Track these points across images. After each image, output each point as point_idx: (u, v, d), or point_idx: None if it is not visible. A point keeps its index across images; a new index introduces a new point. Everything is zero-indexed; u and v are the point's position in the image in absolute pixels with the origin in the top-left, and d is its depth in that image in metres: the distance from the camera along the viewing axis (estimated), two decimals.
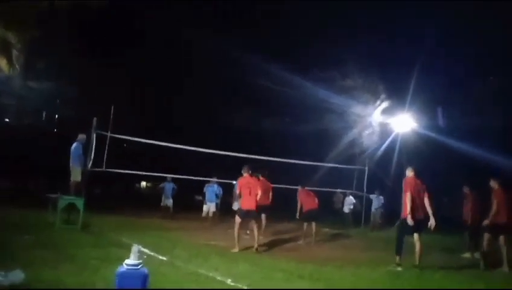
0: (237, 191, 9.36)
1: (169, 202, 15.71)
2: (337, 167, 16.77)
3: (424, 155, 19.56)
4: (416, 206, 7.51)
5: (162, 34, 22.83)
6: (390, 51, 20.86)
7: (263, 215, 10.70)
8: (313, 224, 10.72)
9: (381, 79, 21.18)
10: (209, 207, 14.14)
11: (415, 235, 7.49)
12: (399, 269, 7.25)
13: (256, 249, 8.69)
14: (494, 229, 7.95)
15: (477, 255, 8.89)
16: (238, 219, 8.88)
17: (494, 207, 7.94)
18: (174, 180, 15.73)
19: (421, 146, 19.77)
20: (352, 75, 21.59)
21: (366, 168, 15.75)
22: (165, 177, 15.77)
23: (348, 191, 17.22)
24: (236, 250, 8.52)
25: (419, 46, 19.17)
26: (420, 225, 7.51)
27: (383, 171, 18.79)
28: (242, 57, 19.96)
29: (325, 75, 21.02)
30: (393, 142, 20.03)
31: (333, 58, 21.16)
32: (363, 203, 16.44)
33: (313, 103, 21.66)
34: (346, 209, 17.60)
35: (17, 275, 4.71)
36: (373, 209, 16.57)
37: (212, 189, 14.28)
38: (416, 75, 18.96)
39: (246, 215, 8.94)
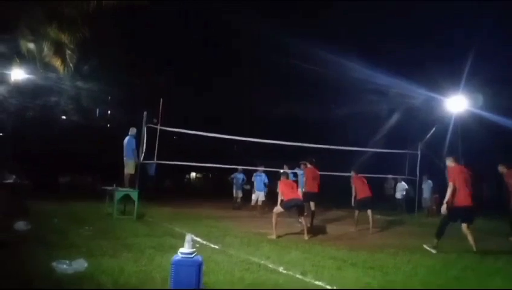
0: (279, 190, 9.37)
1: (240, 192, 15.95)
2: (387, 152, 16.29)
3: (481, 136, 18.61)
4: (467, 194, 7.44)
5: (205, 24, 23.05)
6: (444, 29, 19.93)
7: (312, 203, 10.57)
8: (369, 212, 10.48)
9: (436, 58, 20.29)
10: (258, 196, 14.26)
11: (463, 225, 7.44)
12: (433, 251, 7.30)
13: (307, 237, 8.70)
14: None
15: None
16: (278, 209, 8.92)
17: None
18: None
19: (477, 127, 18.80)
20: (404, 55, 20.77)
21: (419, 152, 15.17)
22: (236, 168, 15.78)
23: (400, 177, 16.73)
24: (273, 237, 8.55)
25: (476, 24, 18.18)
26: (468, 213, 7.46)
27: (435, 155, 18.06)
28: (288, 43, 19.71)
29: (376, 56, 20.33)
30: (447, 124, 19.17)
31: (384, 37, 20.46)
32: (416, 189, 15.91)
33: (356, 84, 21.10)
34: (398, 195, 17.15)
35: (81, 264, 4.97)
36: (424, 194, 16.04)
37: (260, 178, 14.38)
38: (472, 54, 17.99)
39: (291, 206, 8.97)
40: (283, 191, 9.09)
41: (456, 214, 7.45)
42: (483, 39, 18.10)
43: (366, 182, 10.90)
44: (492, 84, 19.18)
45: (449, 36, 19.89)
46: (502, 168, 8.33)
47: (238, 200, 15.89)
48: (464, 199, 7.42)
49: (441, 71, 19.82)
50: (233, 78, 25.04)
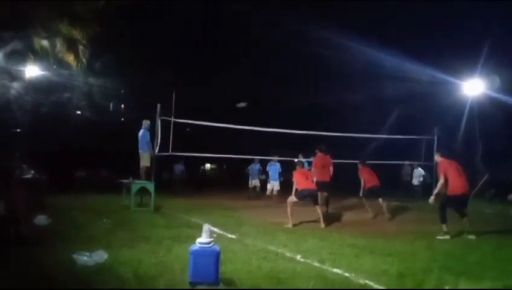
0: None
1: (257, 182, 16.03)
2: (404, 138, 16.08)
3: (498, 120, 18.27)
4: (461, 183, 7.75)
5: (219, 16, 22.97)
6: (461, 12, 19.49)
7: (323, 193, 10.27)
8: (380, 200, 10.40)
9: (452, 42, 19.89)
10: (273, 185, 14.26)
11: (459, 211, 7.77)
12: (447, 237, 7.38)
13: (324, 225, 8.73)
14: None
15: None
16: (292, 199, 9.01)
17: None
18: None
19: (494, 110, 18.44)
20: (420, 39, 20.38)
21: (436, 137, 14.94)
22: (253, 159, 15.94)
23: (416, 163, 16.55)
24: (289, 226, 8.61)
25: (493, 6, 17.75)
26: (465, 200, 7.90)
27: (453, 139, 17.83)
28: (302, 28, 19.50)
29: (391, 40, 19.97)
30: (463, 107, 18.85)
31: (400, 22, 20.12)
32: (433, 175, 15.71)
33: (371, 70, 20.81)
34: (415, 181, 16.97)
35: (101, 255, 5.05)
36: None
37: (275, 167, 14.41)
38: (489, 37, 17.58)
39: (305, 196, 9.03)
40: (298, 181, 9.09)
41: (453, 201, 7.77)
42: (500, 21, 17.66)
43: (373, 171, 10.79)
44: (509, 67, 18.74)
45: (466, 19, 19.43)
46: None
47: (257, 189, 15.94)
48: (458, 187, 7.72)
49: (458, 54, 19.41)
50: (244, 67, 24.95)
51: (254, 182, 15.95)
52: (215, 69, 25.38)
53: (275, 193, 14.14)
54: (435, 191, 8.01)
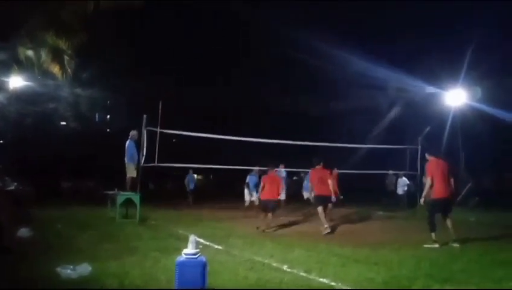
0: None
1: (254, 195, 14.18)
2: (388, 148, 16.27)
3: (480, 129, 18.63)
4: (444, 187, 7.77)
5: (204, 22, 23.07)
6: (444, 23, 19.95)
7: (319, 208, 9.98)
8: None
9: (435, 52, 20.31)
10: (252, 196, 14.11)
11: (444, 215, 7.82)
12: (436, 245, 7.41)
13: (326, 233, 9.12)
14: None
15: None
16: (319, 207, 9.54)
17: None
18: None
19: (476, 120, 18.82)
20: (403, 50, 20.77)
21: (419, 147, 15.17)
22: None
23: (401, 172, 16.73)
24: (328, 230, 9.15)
25: (475, 17, 18.21)
26: (448, 204, 7.91)
27: (436, 149, 18.05)
28: (282, 33, 19.68)
29: (372, 51, 20.31)
30: (446, 117, 19.18)
31: (381, 30, 20.47)
32: (418, 184, 15.90)
33: (357, 79, 21.09)
34: (400, 190, 17.13)
35: (85, 268, 4.98)
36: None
37: (255, 178, 14.26)
38: (471, 48, 18.01)
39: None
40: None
41: (436, 205, 7.83)
42: (482, 32, 18.12)
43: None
44: (491, 77, 19.20)
45: (448, 30, 19.93)
46: None
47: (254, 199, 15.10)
48: (441, 191, 7.76)
49: (440, 65, 19.84)
50: (233, 76, 25.09)
51: (251, 196, 14.43)
52: (201, 80, 25.46)
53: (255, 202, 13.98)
54: (424, 193, 8.04)
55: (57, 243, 7.23)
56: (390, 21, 20.43)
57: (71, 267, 4.97)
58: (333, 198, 10.02)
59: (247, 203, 14.21)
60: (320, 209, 9.85)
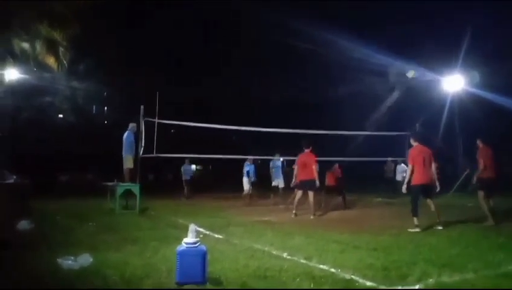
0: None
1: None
2: (386, 135, 16.26)
3: (478, 115, 18.62)
4: (424, 173, 7.99)
5: (199, 13, 22.91)
6: (440, 9, 19.82)
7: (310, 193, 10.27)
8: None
9: (432, 38, 20.20)
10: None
11: (428, 200, 8.09)
12: (417, 230, 7.58)
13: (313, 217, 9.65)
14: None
15: None
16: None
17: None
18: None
19: (474, 106, 18.81)
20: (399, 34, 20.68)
21: (418, 135, 15.14)
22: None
23: (399, 159, 16.75)
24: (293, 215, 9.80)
25: (471, 2, 18.10)
26: (429, 190, 8.12)
27: (434, 134, 18.08)
28: (278, 21, 19.54)
29: (369, 36, 20.19)
30: (443, 103, 19.16)
31: (380, 15, 20.35)
32: None
33: (354, 65, 20.99)
34: (399, 177, 17.14)
35: (86, 259, 5.00)
36: None
37: (250, 167, 14.31)
38: (468, 33, 17.92)
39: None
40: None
41: (417, 191, 8.01)
42: (479, 17, 18.02)
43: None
44: (488, 63, 19.14)
45: (446, 15, 19.79)
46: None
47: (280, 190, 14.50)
48: (421, 177, 7.98)
49: (438, 51, 19.76)
50: (230, 65, 24.97)
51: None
52: (198, 69, 25.33)
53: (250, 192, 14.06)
54: (406, 180, 8.27)
55: (57, 235, 7.24)
56: (388, 7, 20.26)
57: (72, 258, 4.99)
58: (317, 183, 10.15)
59: (246, 192, 14.19)
60: (299, 193, 10.27)
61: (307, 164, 10.21)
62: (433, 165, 8.23)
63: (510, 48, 18.96)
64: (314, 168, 10.16)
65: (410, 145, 8.55)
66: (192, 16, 23.55)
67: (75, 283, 4.37)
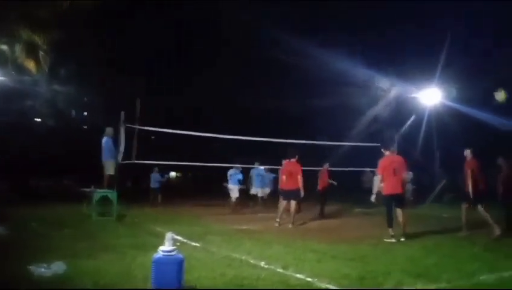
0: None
1: (263, 191, 14.53)
2: (365, 145, 16.48)
3: (455, 128, 19.04)
4: (393, 183, 8.04)
5: (184, 22, 22.94)
6: (418, 23, 20.29)
7: (292, 202, 10.31)
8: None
9: (409, 52, 20.65)
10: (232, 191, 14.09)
11: (397, 210, 8.04)
12: (393, 240, 7.64)
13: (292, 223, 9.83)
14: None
15: None
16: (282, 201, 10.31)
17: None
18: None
19: (451, 119, 19.25)
20: (378, 48, 21.09)
21: (396, 144, 15.43)
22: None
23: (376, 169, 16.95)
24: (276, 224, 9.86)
25: (448, 17, 18.59)
26: (399, 199, 8.12)
27: (412, 147, 18.42)
28: (260, 32, 19.69)
29: (348, 49, 20.56)
30: (421, 116, 19.57)
31: (358, 29, 20.71)
32: None
33: (334, 77, 21.27)
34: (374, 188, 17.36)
35: (59, 266, 4.91)
36: None
37: (235, 175, 14.26)
38: (445, 47, 18.39)
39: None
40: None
41: (389, 201, 8.07)
42: (456, 32, 18.50)
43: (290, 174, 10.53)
44: (465, 77, 19.65)
45: (423, 29, 20.25)
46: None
47: (259, 200, 14.80)
48: (391, 188, 8.03)
49: (416, 64, 20.19)
50: (212, 74, 24.95)
51: (257, 190, 14.63)
52: (180, 76, 25.25)
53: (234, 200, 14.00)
54: (374, 190, 8.30)
55: (32, 242, 7.08)
56: (365, 20, 20.65)
57: (45, 265, 4.89)
58: (302, 193, 10.22)
59: (234, 199, 14.04)
60: (283, 202, 10.29)
61: (292, 173, 10.25)
62: (404, 175, 8.34)
63: (486, 62, 19.50)
64: (300, 178, 10.19)
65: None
66: (175, 22, 23.53)
67: None
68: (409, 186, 16.14)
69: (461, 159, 9.07)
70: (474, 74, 19.78)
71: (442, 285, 4.74)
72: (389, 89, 21.03)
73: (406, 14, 20.71)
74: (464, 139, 18.80)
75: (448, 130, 19.25)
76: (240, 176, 14.16)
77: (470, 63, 19.47)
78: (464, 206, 8.58)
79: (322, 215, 12.39)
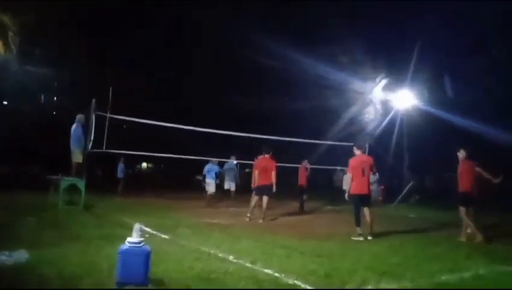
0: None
1: (232, 184, 14.65)
2: (338, 145, 16.71)
3: (425, 130, 19.52)
4: (362, 183, 8.20)
5: (164, 12, 22.66)
6: (390, 26, 20.65)
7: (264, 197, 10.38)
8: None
9: (382, 55, 21.01)
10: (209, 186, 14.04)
11: (365, 209, 8.21)
12: (360, 239, 7.80)
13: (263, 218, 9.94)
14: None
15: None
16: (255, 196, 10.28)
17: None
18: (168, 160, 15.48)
19: (421, 122, 19.73)
20: (351, 51, 21.41)
21: (367, 145, 15.69)
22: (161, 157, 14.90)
23: (347, 169, 17.22)
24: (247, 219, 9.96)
25: (421, 21, 18.97)
26: (366, 199, 8.29)
27: (383, 148, 18.79)
28: (242, 33, 19.76)
29: (324, 52, 20.85)
30: (394, 118, 19.98)
31: (332, 33, 20.98)
32: None
33: (312, 79, 21.56)
34: (345, 186, 17.64)
35: (22, 255, 4.77)
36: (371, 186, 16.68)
37: (212, 168, 14.23)
38: (416, 51, 18.80)
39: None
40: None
41: (357, 200, 8.25)
42: (428, 35, 18.90)
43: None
44: (437, 79, 20.18)
45: (395, 32, 20.62)
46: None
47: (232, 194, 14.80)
48: (359, 188, 8.20)
49: (388, 67, 20.59)
50: (193, 71, 24.85)
51: (230, 184, 14.71)
52: (158, 66, 24.94)
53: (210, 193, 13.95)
54: (347, 188, 8.53)
55: None
56: (337, 23, 20.88)
57: (7, 253, 4.74)
58: (274, 189, 10.32)
59: (210, 193, 13.92)
60: (255, 197, 10.36)
61: (267, 169, 10.34)
62: (371, 175, 8.55)
63: (459, 64, 20.03)
64: (274, 173, 10.30)
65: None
66: (157, 16, 23.30)
67: (6, 279, 4.15)
68: (375, 187, 16.49)
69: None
70: (444, 76, 20.33)
71: (406, 283, 4.86)
72: (364, 91, 21.40)
73: (378, 15, 21.08)
74: (435, 142, 19.38)
75: (418, 132, 19.73)
76: (217, 169, 14.14)
77: (442, 65, 19.98)
78: (462, 210, 8.26)
79: (302, 211, 12.72)
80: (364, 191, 8.22)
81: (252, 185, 10.82)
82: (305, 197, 13.21)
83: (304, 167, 13.33)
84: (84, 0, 18.48)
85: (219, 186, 14.58)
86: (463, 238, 8.12)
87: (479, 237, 7.86)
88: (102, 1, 19.67)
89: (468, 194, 8.28)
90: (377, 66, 20.96)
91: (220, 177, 14.39)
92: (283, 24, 22.71)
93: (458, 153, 8.54)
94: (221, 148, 17.14)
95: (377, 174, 16.66)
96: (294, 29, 22.95)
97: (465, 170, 8.37)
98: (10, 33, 13.40)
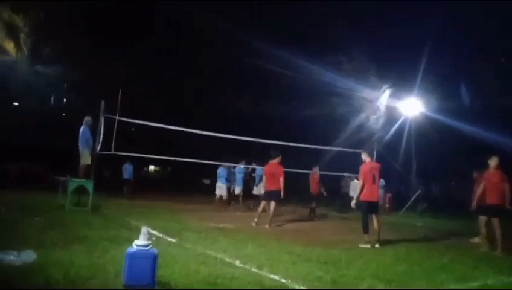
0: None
1: (239, 188, 14.72)
2: (345, 152, 16.66)
3: (432, 138, 19.41)
4: (372, 190, 8.14)
5: (170, 17, 22.82)
6: (398, 34, 20.62)
7: (272, 203, 10.35)
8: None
9: (389, 63, 20.97)
10: (221, 189, 14.15)
11: (373, 216, 8.13)
12: (368, 246, 7.74)
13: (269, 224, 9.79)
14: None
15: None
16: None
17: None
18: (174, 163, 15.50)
19: (429, 129, 19.63)
20: (359, 59, 21.42)
21: (375, 152, 15.62)
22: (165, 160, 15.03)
23: (354, 175, 17.16)
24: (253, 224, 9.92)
25: (428, 28, 18.93)
26: (375, 207, 8.25)
27: (391, 155, 18.69)
28: (251, 41, 19.87)
29: (333, 59, 20.90)
30: (402, 126, 19.90)
31: (340, 41, 21.01)
32: None
33: (320, 87, 21.57)
34: (352, 193, 17.56)
35: (29, 255, 4.79)
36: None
37: (222, 172, 14.29)
38: (424, 59, 18.75)
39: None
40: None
41: (365, 207, 8.13)
42: (435, 42, 18.86)
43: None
44: (444, 88, 20.08)
45: (404, 41, 20.59)
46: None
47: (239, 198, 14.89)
48: (369, 194, 8.11)
49: (398, 75, 20.54)
50: (198, 75, 24.96)
51: (238, 189, 14.78)
52: (166, 70, 25.06)
53: (224, 197, 14.10)
54: (356, 196, 8.32)
55: (0, 228, 6.90)
56: (345, 30, 20.90)
57: (15, 253, 4.77)
58: (281, 194, 10.30)
59: (224, 197, 14.06)
60: (263, 202, 10.41)
61: (275, 174, 10.32)
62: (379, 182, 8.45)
63: (465, 72, 19.94)
64: (282, 179, 10.26)
65: (362, 161, 8.61)
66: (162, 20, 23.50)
67: (14, 279, 4.17)
68: (382, 192, 16.37)
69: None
70: (453, 83, 20.24)
71: None
72: (374, 98, 21.38)
73: (387, 23, 21.07)
74: (442, 150, 19.26)
75: (427, 140, 19.63)
76: (227, 174, 14.25)
77: (449, 73, 19.90)
78: (482, 220, 8.12)
79: (311, 217, 12.71)
80: (374, 198, 8.19)
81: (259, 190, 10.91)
82: (313, 204, 13.09)
83: (315, 174, 13.27)
84: (95, 1, 18.63)
85: (229, 190, 14.60)
86: (484, 249, 8.05)
87: (485, 247, 7.91)
88: (112, 4, 19.86)
89: (498, 206, 8.00)
90: (384, 74, 20.93)
91: (230, 182, 14.44)
92: (293, 34, 22.79)
93: (490, 161, 8.24)
94: (231, 152, 17.16)
95: (382, 180, 16.59)
96: (303, 37, 22.97)
97: (497, 180, 8.09)
98: (22, 35, 13.51)
